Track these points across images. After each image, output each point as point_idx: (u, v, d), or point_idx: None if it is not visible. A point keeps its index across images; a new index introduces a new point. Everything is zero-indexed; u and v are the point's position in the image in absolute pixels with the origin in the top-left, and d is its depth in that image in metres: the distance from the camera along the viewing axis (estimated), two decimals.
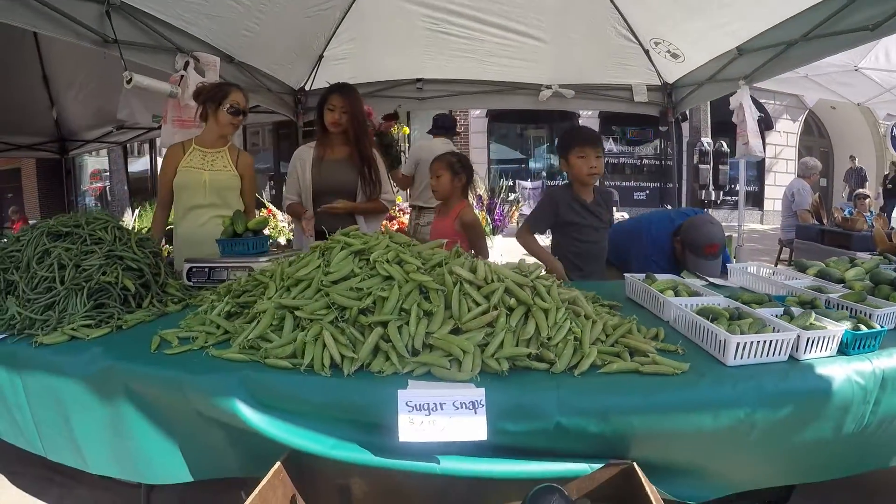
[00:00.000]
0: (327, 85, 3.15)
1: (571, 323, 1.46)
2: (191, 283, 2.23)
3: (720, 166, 11.23)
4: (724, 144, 11.39)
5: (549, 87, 5.01)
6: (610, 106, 5.33)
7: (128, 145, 9.45)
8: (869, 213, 6.42)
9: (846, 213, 5.94)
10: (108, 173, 11.40)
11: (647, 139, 14.16)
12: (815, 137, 15.46)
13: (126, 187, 10.32)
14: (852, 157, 12.66)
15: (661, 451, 1.31)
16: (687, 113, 6.89)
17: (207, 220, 2.85)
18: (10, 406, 1.81)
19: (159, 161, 13.20)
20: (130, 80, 2.90)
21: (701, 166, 11.04)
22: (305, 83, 4.79)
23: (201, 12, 3.31)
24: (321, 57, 4.57)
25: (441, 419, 1.17)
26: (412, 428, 1.17)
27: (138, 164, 13.44)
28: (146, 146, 12.36)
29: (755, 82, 4.06)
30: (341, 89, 3.03)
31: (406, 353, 1.34)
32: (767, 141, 12.90)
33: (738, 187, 8.43)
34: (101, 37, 2.84)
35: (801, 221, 6.28)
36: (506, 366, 1.32)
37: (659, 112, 5.20)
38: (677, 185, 5.36)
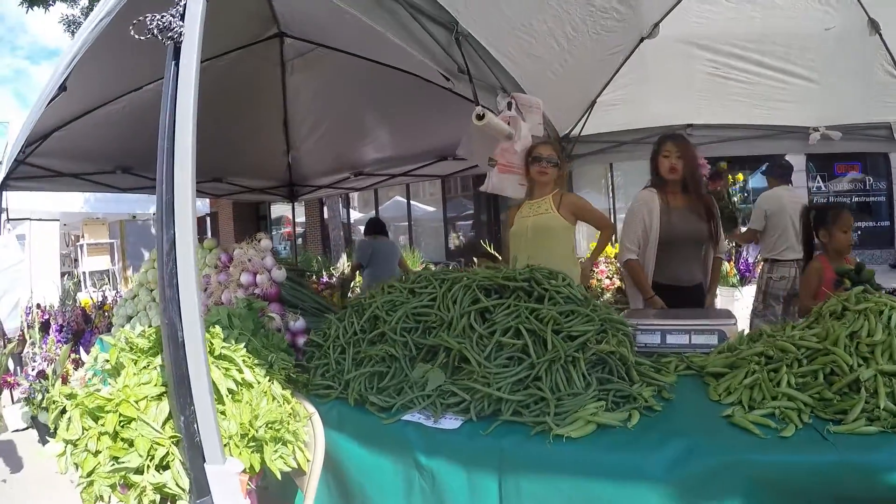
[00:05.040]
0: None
1: None
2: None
3: None
4: None
5: (816, 129, 4.59)
6: (869, 146, 4.79)
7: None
8: None
9: None
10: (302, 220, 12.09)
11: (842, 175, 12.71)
12: None
13: (342, 234, 10.67)
14: None
15: None
16: None
17: None
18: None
19: (352, 213, 13.76)
20: (482, 116, 2.61)
21: None
22: (571, 130, 4.47)
23: (527, 51, 3.08)
24: (594, 102, 4.25)
25: None
26: None
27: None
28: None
29: None
30: (674, 137, 2.97)
31: None
32: None
33: None
34: (456, 63, 2.61)
35: None
36: None
37: None
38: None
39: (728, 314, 2.21)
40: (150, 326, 3.25)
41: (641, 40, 3.87)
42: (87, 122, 3.82)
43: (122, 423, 1.33)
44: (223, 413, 1.41)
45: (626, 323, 1.77)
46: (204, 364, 1.27)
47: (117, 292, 4.84)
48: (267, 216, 13.17)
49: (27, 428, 4.04)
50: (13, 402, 4.10)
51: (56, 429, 1.41)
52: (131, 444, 1.32)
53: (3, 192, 3.88)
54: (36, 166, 4.07)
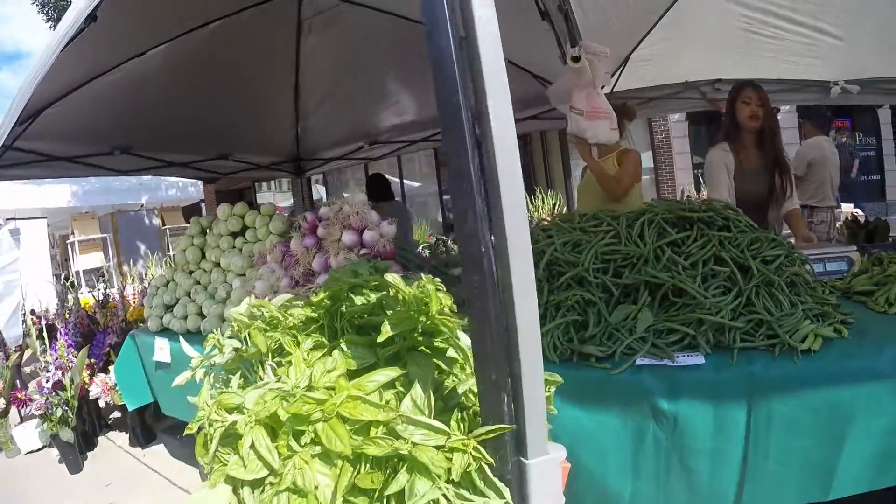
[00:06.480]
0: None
1: None
2: None
3: None
4: None
5: (836, 83, 4.68)
6: (885, 99, 4.97)
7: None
8: None
9: None
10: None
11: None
12: None
13: None
14: None
15: None
16: None
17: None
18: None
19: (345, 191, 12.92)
20: (579, 58, 2.43)
21: None
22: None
23: None
24: (628, 58, 4.16)
25: None
26: None
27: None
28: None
29: None
30: (752, 84, 2.90)
31: None
32: None
33: None
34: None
35: None
36: None
37: None
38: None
39: (848, 244, 2.46)
40: (204, 310, 2.85)
41: None
42: (82, 96, 3.37)
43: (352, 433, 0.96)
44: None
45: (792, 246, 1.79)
46: (536, 317, 0.91)
47: (120, 290, 4.37)
48: (253, 203, 12.09)
49: (42, 448, 3.57)
50: (21, 421, 3.61)
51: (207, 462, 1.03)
52: (378, 464, 0.93)
53: None
54: (24, 151, 3.58)
